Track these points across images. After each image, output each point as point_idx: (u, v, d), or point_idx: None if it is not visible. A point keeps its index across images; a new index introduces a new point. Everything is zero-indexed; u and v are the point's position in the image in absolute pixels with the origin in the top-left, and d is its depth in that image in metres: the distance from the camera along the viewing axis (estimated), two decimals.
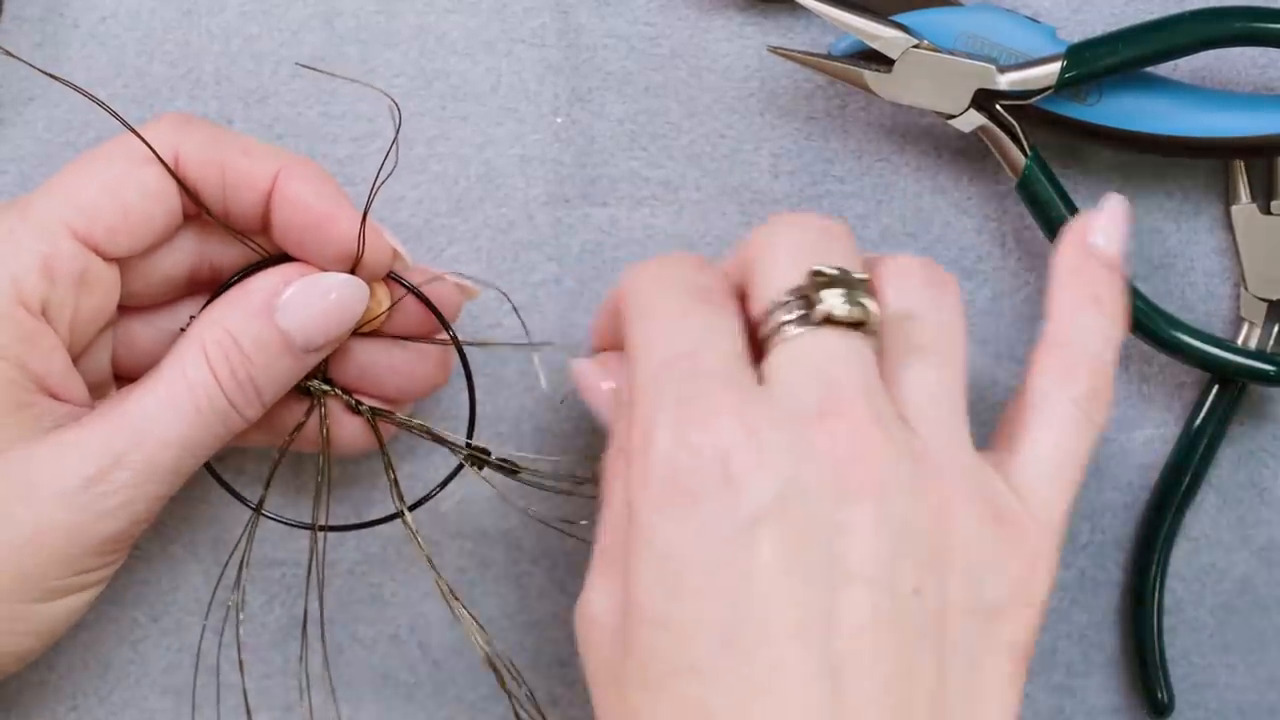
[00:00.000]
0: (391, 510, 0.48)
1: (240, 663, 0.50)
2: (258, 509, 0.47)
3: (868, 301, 0.39)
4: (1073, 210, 0.50)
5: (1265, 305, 0.51)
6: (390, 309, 0.46)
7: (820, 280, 0.38)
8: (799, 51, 0.50)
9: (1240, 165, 0.51)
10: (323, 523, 0.48)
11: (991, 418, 0.52)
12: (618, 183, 0.52)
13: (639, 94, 0.52)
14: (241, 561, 0.48)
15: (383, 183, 0.46)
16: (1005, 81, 0.49)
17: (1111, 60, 0.48)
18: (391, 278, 0.46)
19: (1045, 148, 0.50)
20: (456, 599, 0.49)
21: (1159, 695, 0.52)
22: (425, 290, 0.46)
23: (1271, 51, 0.51)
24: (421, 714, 0.52)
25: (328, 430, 0.47)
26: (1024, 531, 0.39)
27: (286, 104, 0.52)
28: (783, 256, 0.40)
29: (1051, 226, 0.50)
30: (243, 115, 0.51)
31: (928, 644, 0.37)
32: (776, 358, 0.38)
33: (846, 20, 0.49)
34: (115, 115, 0.44)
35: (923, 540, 0.37)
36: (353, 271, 0.45)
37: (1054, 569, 0.39)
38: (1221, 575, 0.53)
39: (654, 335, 0.39)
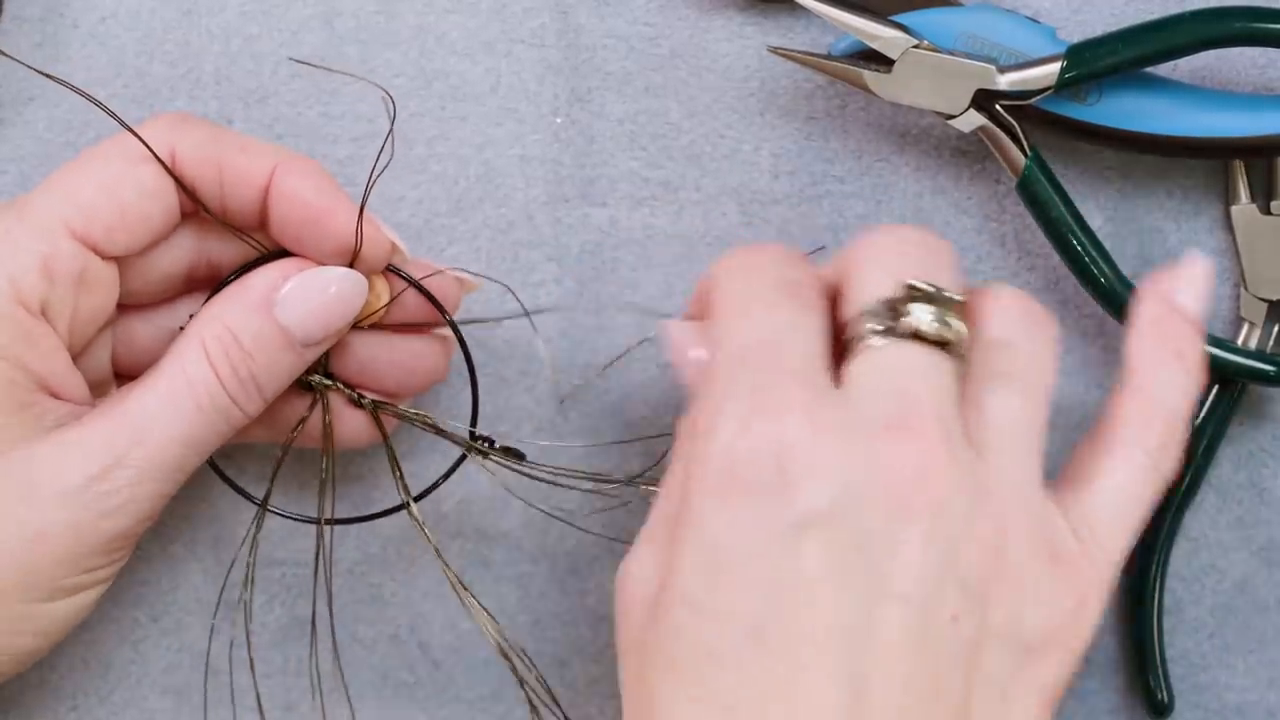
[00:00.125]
0: (394, 504, 0.48)
1: (251, 661, 0.50)
2: (263, 504, 0.48)
3: (956, 322, 0.39)
4: (1073, 210, 0.50)
5: (1265, 305, 0.51)
6: (390, 303, 0.46)
7: (913, 294, 0.38)
8: (799, 51, 0.50)
9: (1240, 165, 0.51)
10: (329, 516, 0.48)
11: None
12: (618, 183, 0.52)
13: (639, 94, 0.52)
14: (250, 557, 0.48)
15: (380, 174, 0.46)
16: (1005, 81, 0.49)
17: (1111, 60, 0.48)
18: (390, 270, 0.46)
19: (1045, 148, 0.50)
20: (466, 589, 0.49)
21: (1159, 695, 0.52)
22: (425, 283, 0.47)
23: (1271, 51, 0.51)
24: (421, 714, 0.52)
25: (330, 424, 0.47)
26: (1077, 572, 0.39)
27: (286, 104, 0.52)
28: (880, 265, 0.39)
29: (1052, 226, 0.50)
30: (243, 115, 0.51)
31: (959, 672, 0.37)
32: (857, 365, 0.38)
33: (846, 20, 0.49)
34: (111, 114, 0.44)
35: (970, 569, 0.37)
36: (351, 265, 0.45)
37: (1101, 612, 0.39)
38: (1221, 575, 0.53)
39: (738, 322, 0.39)
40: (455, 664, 0.52)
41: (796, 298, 0.39)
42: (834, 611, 0.36)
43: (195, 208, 0.45)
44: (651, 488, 0.44)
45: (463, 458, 0.48)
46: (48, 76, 0.46)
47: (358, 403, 0.47)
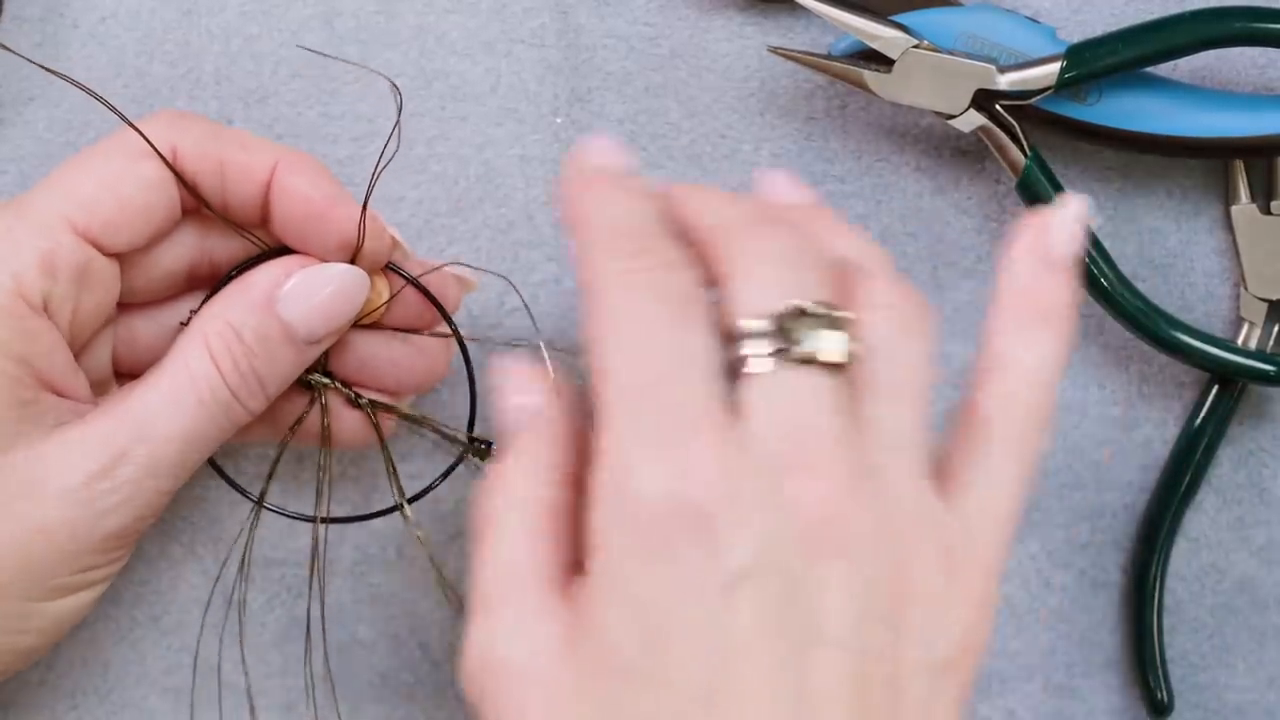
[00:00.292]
0: (392, 505, 0.48)
1: (243, 660, 0.50)
2: (259, 501, 0.48)
3: (851, 344, 0.36)
4: None
5: (1265, 305, 0.52)
6: (390, 300, 0.46)
7: (804, 316, 0.36)
8: (799, 51, 0.50)
9: (1240, 165, 0.51)
10: (325, 515, 0.48)
11: None
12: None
13: (639, 94, 0.52)
14: (244, 553, 0.48)
15: (386, 165, 0.46)
16: (1005, 81, 0.49)
17: (1111, 60, 0.48)
18: (391, 268, 0.46)
19: (1045, 148, 0.50)
20: (456, 593, 0.49)
21: (1159, 695, 0.52)
22: (424, 282, 0.47)
23: (1271, 51, 0.51)
24: (421, 714, 0.52)
25: (328, 424, 0.47)
26: (973, 578, 0.38)
27: (286, 104, 0.52)
28: (761, 274, 0.37)
29: None
30: (243, 115, 0.51)
31: (886, 704, 0.36)
32: (752, 394, 0.36)
33: (846, 20, 0.49)
34: (112, 108, 0.44)
35: (885, 599, 0.36)
36: (353, 262, 0.45)
37: (996, 610, 0.38)
38: (1221, 575, 0.53)
39: (619, 356, 0.36)
40: (455, 664, 0.52)
41: (683, 316, 0.36)
42: (774, 667, 0.35)
43: (196, 205, 0.45)
44: None
45: (458, 460, 0.48)
46: (51, 72, 0.46)
47: (355, 402, 0.47)
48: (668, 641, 0.34)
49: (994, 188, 0.52)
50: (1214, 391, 0.52)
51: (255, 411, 0.44)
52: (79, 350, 0.44)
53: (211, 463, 0.46)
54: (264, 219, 0.45)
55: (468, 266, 0.48)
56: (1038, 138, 0.50)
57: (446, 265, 0.47)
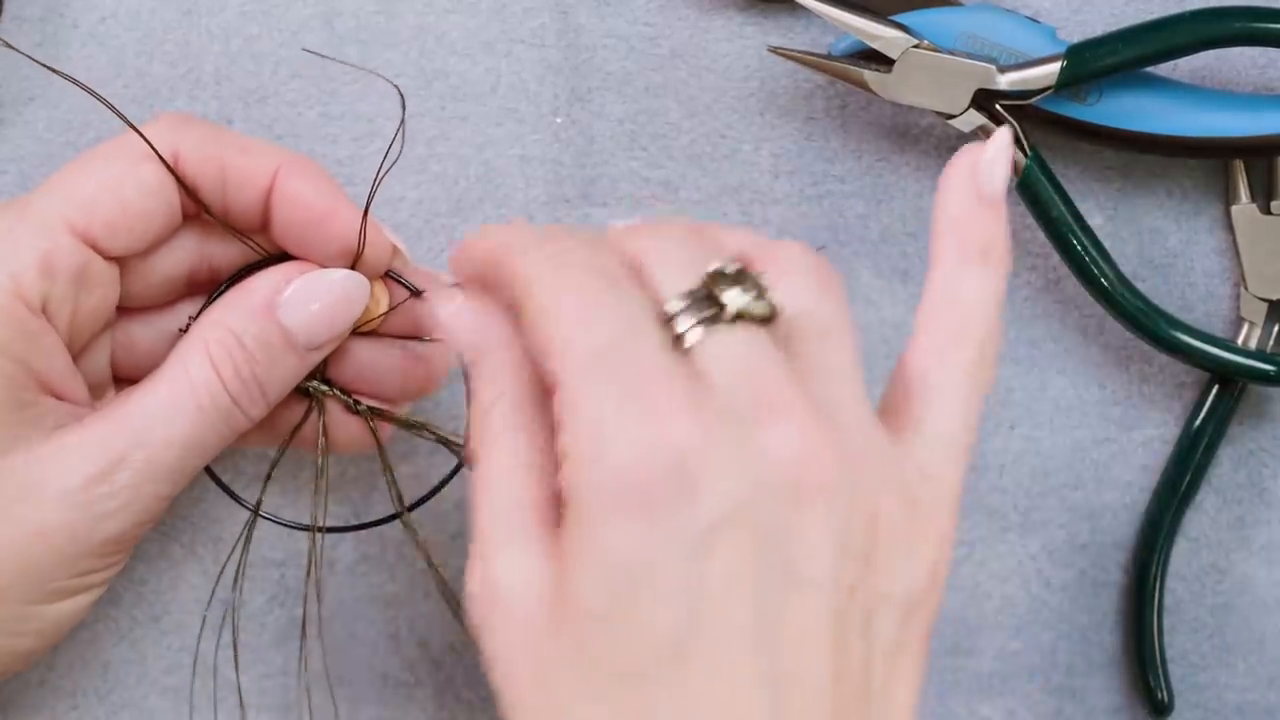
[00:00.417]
0: (391, 509, 0.48)
1: (236, 663, 0.50)
2: (256, 510, 0.47)
3: (774, 295, 0.37)
4: (1073, 210, 0.50)
5: (1265, 305, 0.51)
6: (390, 311, 0.46)
7: (724, 278, 0.37)
8: (799, 51, 0.50)
9: (1240, 165, 0.51)
10: (321, 524, 0.48)
11: (989, 418, 0.53)
12: (618, 183, 0.52)
13: (639, 94, 0.52)
14: (239, 564, 0.48)
15: (388, 170, 0.46)
16: (1005, 81, 0.49)
17: (1111, 60, 0.48)
18: (390, 276, 0.46)
19: (1045, 148, 0.50)
20: (456, 599, 0.49)
21: (1159, 695, 0.52)
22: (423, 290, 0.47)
23: (1271, 51, 0.51)
24: (421, 714, 0.52)
25: (326, 431, 0.47)
26: (932, 515, 0.38)
27: (286, 104, 0.52)
28: (674, 255, 0.38)
29: (1051, 226, 0.50)
30: (243, 115, 0.51)
31: (859, 642, 0.36)
32: (703, 356, 0.36)
33: (846, 20, 0.49)
34: (114, 110, 0.44)
35: (859, 538, 0.36)
36: (353, 268, 0.45)
37: (952, 546, 0.38)
38: (1221, 575, 0.53)
39: (570, 324, 0.36)
40: (455, 664, 0.52)
41: (618, 285, 0.37)
42: (748, 612, 0.35)
43: (197, 210, 0.45)
44: None
45: (457, 468, 0.48)
46: (55, 72, 0.46)
47: (353, 409, 0.47)
48: (637, 593, 0.35)
49: None
50: (1214, 391, 0.52)
51: (256, 418, 0.44)
52: (77, 353, 0.44)
53: (209, 471, 0.46)
54: (264, 224, 0.45)
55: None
56: (1038, 138, 0.50)
57: (444, 276, 0.47)
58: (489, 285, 0.39)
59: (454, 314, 0.39)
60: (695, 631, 0.35)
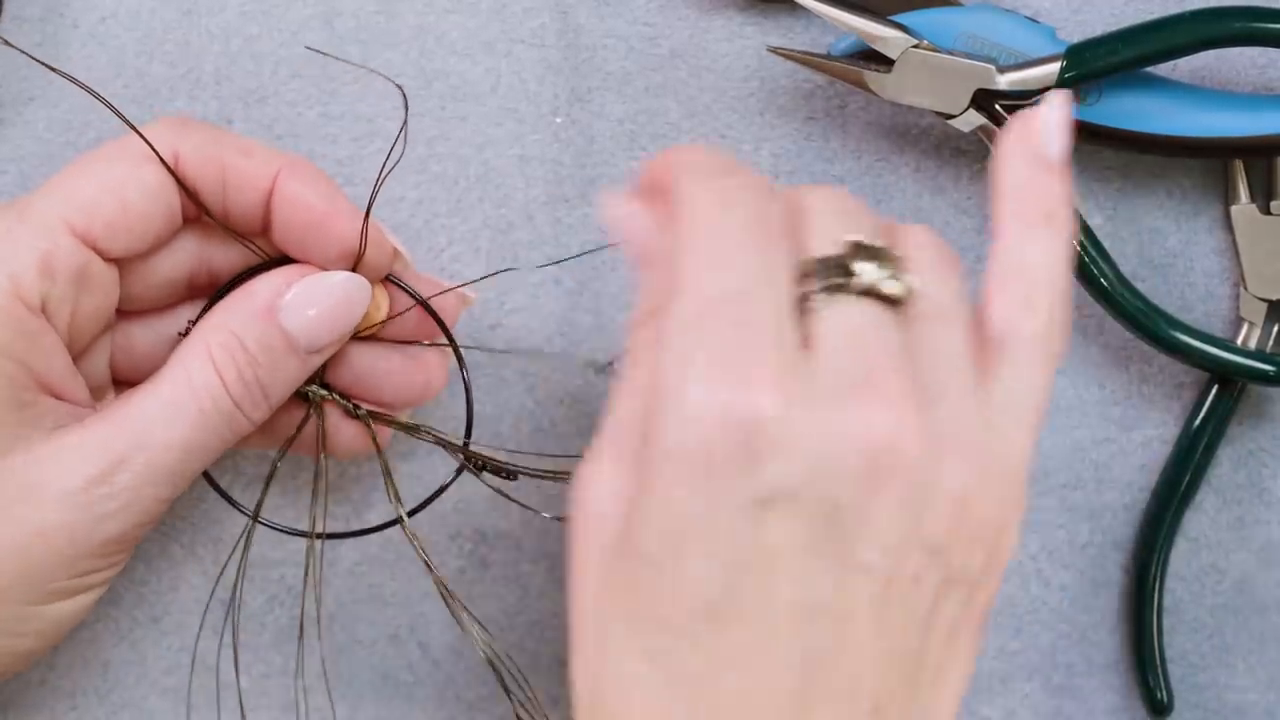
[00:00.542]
0: (390, 513, 0.48)
1: (236, 664, 0.50)
2: (255, 516, 0.47)
3: (906, 276, 0.37)
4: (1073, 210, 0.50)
5: (1265, 305, 0.51)
6: (392, 316, 0.46)
7: (863, 251, 0.37)
8: (799, 51, 0.50)
9: (1240, 165, 0.51)
10: (320, 529, 0.47)
11: None
12: (618, 183, 0.52)
13: (639, 94, 0.52)
14: (240, 566, 0.48)
15: (390, 171, 0.46)
16: (1005, 81, 0.49)
17: (1111, 60, 0.48)
18: (391, 281, 0.46)
19: None
20: (456, 599, 0.49)
21: (1159, 695, 0.52)
22: (422, 294, 0.46)
23: (1271, 51, 0.51)
24: (421, 714, 0.52)
25: (325, 436, 0.47)
26: (1007, 490, 0.38)
27: (286, 104, 0.52)
28: (830, 217, 0.38)
29: None
30: (243, 115, 0.51)
31: (916, 628, 0.36)
32: (821, 324, 0.36)
33: (846, 20, 0.49)
34: (115, 111, 0.44)
35: (937, 526, 0.36)
36: (354, 270, 0.45)
37: (1021, 516, 0.38)
38: (1221, 575, 0.53)
39: (705, 263, 0.37)
40: (455, 664, 0.52)
41: (768, 238, 0.37)
42: (790, 590, 0.35)
43: (197, 213, 0.45)
44: None
45: (458, 473, 0.48)
46: (56, 71, 0.46)
47: (353, 413, 0.47)
48: (689, 548, 0.35)
49: None
50: (1214, 391, 0.52)
51: (257, 422, 0.44)
52: (77, 355, 0.44)
53: (207, 476, 0.46)
54: (265, 227, 0.45)
55: (463, 285, 0.48)
56: None
57: (444, 284, 0.47)
58: (662, 199, 0.39)
59: (623, 216, 0.40)
60: (732, 599, 0.35)
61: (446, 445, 0.48)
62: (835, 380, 0.36)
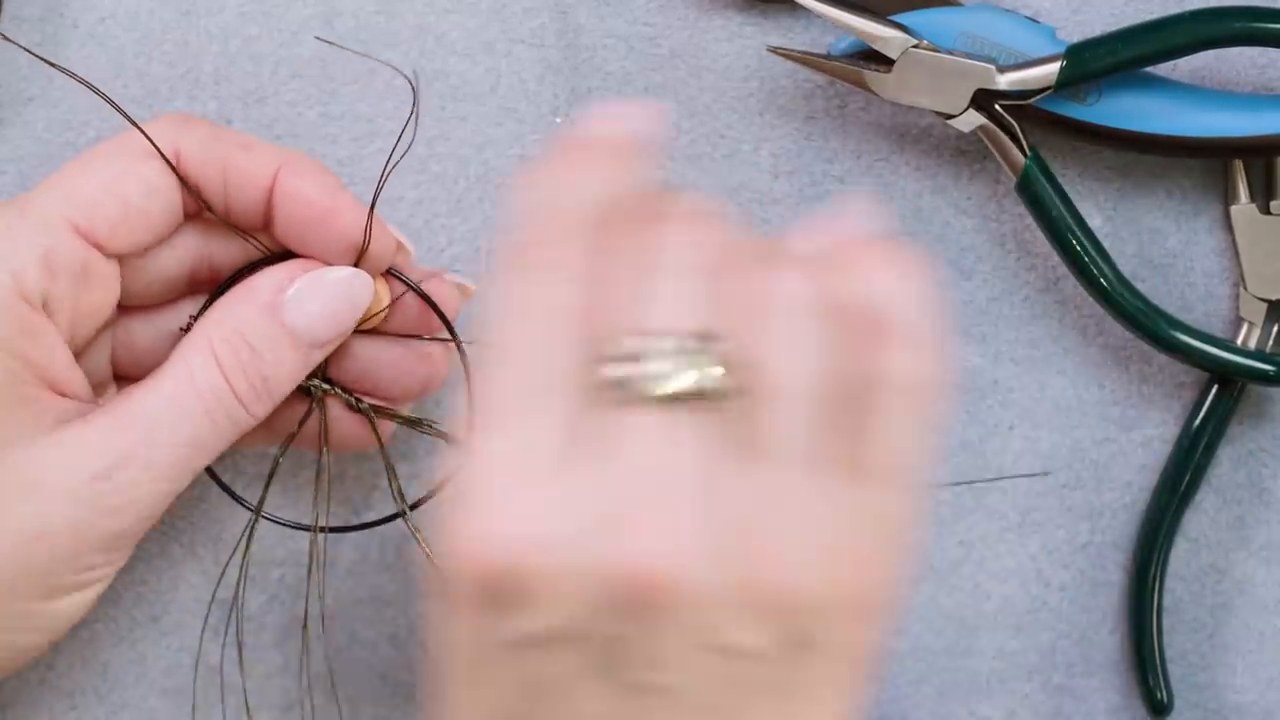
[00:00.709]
0: (392, 508, 0.48)
1: (241, 664, 0.50)
2: (257, 510, 0.47)
3: (718, 371, 0.33)
4: (1073, 210, 0.50)
5: (1265, 305, 0.51)
6: (391, 305, 0.46)
7: (684, 347, 0.33)
8: (799, 51, 0.50)
9: (1240, 165, 0.51)
10: (323, 524, 0.47)
11: (988, 418, 0.53)
12: None
13: (639, 94, 0.52)
14: (242, 565, 0.48)
15: (397, 163, 0.45)
16: (1005, 81, 0.49)
17: (1111, 60, 0.48)
18: (392, 274, 0.46)
19: (1045, 148, 0.50)
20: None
21: (1158, 695, 0.52)
22: (424, 287, 0.46)
23: (1271, 51, 0.51)
24: (422, 714, 0.52)
25: (327, 430, 0.47)
26: (837, 590, 0.34)
27: (286, 104, 0.52)
28: (669, 291, 0.34)
29: (1051, 226, 0.50)
30: (242, 115, 0.51)
31: None
32: (617, 429, 0.33)
33: (846, 20, 0.49)
34: (116, 107, 0.44)
35: (739, 638, 0.33)
36: (357, 264, 0.45)
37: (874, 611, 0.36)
38: (1221, 575, 0.53)
39: (498, 376, 0.34)
40: None
41: (563, 335, 0.34)
42: (594, 703, 0.33)
43: (198, 209, 0.45)
44: None
45: (459, 468, 0.48)
46: (57, 68, 0.46)
47: (355, 407, 0.47)
48: (472, 670, 0.34)
49: (994, 188, 0.52)
50: (1214, 391, 0.52)
51: (260, 417, 0.44)
52: (78, 351, 0.44)
53: (210, 471, 0.46)
54: (266, 223, 0.45)
55: (462, 274, 0.48)
56: (1037, 138, 0.50)
57: (445, 272, 0.47)
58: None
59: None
60: (533, 714, 0.33)
61: (448, 439, 0.48)
62: (611, 507, 0.33)
